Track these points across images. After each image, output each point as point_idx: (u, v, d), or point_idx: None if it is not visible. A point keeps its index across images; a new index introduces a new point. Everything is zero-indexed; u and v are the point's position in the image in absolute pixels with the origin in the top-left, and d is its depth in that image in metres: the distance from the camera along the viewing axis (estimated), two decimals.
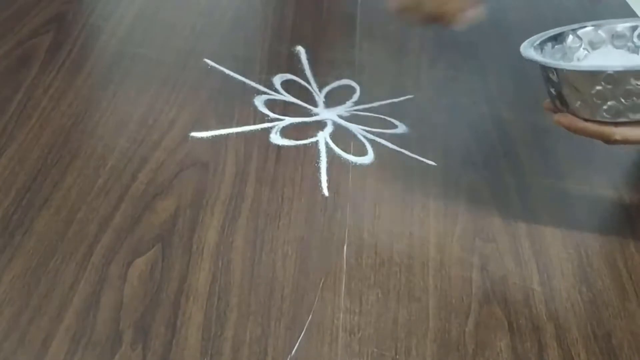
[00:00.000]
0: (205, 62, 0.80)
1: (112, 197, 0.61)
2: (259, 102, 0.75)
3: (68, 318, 0.51)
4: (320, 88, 0.79)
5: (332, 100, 0.78)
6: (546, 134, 0.77)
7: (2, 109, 0.69)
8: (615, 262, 0.62)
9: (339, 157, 0.70)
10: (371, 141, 0.72)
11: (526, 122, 0.79)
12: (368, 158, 0.70)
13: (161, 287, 0.54)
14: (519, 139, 0.76)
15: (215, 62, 0.80)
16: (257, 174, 0.66)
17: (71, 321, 0.50)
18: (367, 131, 0.74)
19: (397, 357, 0.52)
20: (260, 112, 0.74)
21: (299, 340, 0.51)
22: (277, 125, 0.72)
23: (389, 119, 0.76)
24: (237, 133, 0.70)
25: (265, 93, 0.77)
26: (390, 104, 0.79)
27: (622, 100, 0.57)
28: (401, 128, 0.75)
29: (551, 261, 0.61)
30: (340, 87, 0.80)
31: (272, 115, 0.74)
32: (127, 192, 0.62)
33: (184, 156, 0.67)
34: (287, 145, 0.70)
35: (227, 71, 0.80)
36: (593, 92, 0.57)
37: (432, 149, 0.72)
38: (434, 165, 0.70)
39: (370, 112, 0.77)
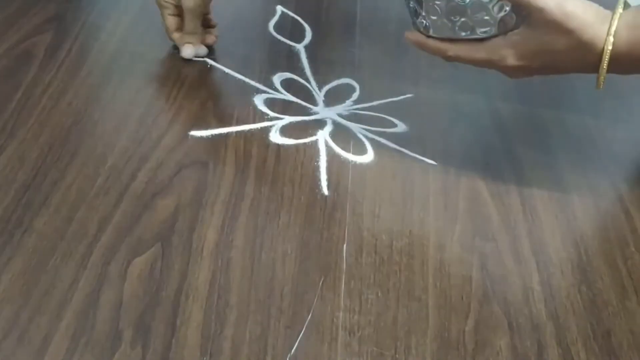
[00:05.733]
0: (204, 60, 0.80)
1: (111, 196, 0.61)
2: (258, 100, 0.75)
3: (67, 317, 0.50)
4: (320, 87, 0.79)
5: (332, 99, 0.78)
6: (546, 132, 0.77)
7: (1, 108, 0.69)
8: (615, 261, 0.62)
9: (339, 156, 0.70)
10: (371, 140, 0.72)
11: (526, 121, 0.79)
12: (368, 157, 0.70)
13: (161, 286, 0.54)
14: (519, 137, 0.76)
15: (215, 61, 0.80)
16: (256, 173, 0.66)
17: (71, 320, 0.50)
18: (366, 130, 0.74)
19: (397, 356, 0.52)
20: (260, 110, 0.74)
21: (298, 339, 0.51)
22: (276, 124, 0.72)
23: (388, 117, 0.76)
24: (236, 132, 0.70)
25: (264, 92, 0.77)
26: (390, 102, 0.78)
27: (452, 18, 0.61)
28: (401, 127, 0.75)
29: (551, 260, 0.61)
30: (340, 85, 0.80)
31: (271, 114, 0.74)
32: (126, 191, 0.62)
33: (184, 155, 0.67)
34: (286, 144, 0.70)
35: (226, 70, 0.80)
36: (438, 7, 0.61)
37: (431, 148, 0.72)
38: (433, 164, 0.70)
39: (370, 111, 0.77)
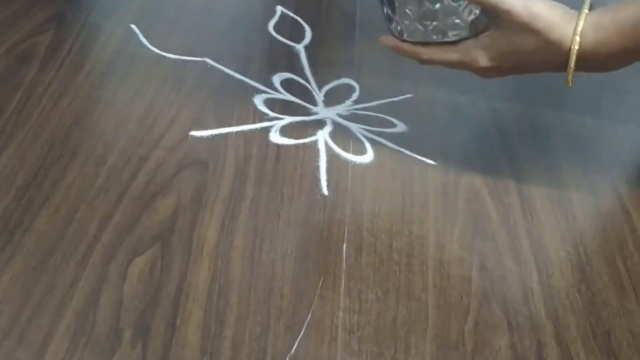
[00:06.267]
0: (205, 61, 0.80)
1: (111, 196, 0.61)
2: (258, 101, 0.75)
3: (68, 317, 0.51)
4: (320, 87, 0.79)
5: (332, 99, 0.78)
6: (546, 132, 0.77)
7: (1, 108, 0.69)
8: (614, 261, 0.62)
9: (339, 156, 0.70)
10: (370, 140, 0.72)
11: (526, 121, 0.79)
12: (367, 157, 0.70)
13: (161, 286, 0.54)
14: (518, 137, 0.76)
15: (215, 61, 0.80)
16: (256, 173, 0.66)
17: (71, 320, 0.50)
18: (366, 130, 0.74)
19: (397, 355, 0.52)
20: (260, 111, 0.74)
21: (298, 339, 0.52)
22: (276, 124, 0.72)
23: (388, 117, 0.76)
24: (236, 132, 0.71)
25: (264, 92, 0.77)
26: (389, 102, 0.79)
27: (424, 22, 0.63)
28: (400, 127, 0.75)
29: (550, 260, 0.61)
30: (339, 86, 0.80)
31: (271, 114, 0.74)
32: (126, 191, 0.62)
33: (184, 155, 0.67)
34: (286, 144, 0.70)
35: (226, 70, 0.80)
36: (410, 12, 0.63)
37: (431, 148, 0.72)
38: (433, 164, 0.70)
39: (369, 111, 0.77)
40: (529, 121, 0.79)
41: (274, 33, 0.88)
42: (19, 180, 0.61)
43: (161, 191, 0.62)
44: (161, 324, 0.51)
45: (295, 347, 0.51)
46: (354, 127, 0.74)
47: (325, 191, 0.65)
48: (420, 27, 0.63)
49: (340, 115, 0.75)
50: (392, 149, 0.72)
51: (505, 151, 0.74)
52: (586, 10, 0.59)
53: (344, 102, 0.78)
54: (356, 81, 0.81)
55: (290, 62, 0.83)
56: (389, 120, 0.76)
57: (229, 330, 0.51)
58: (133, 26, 0.84)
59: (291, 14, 0.92)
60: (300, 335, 0.52)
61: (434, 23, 0.62)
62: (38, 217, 0.58)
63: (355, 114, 0.76)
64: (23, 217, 0.58)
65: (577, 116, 0.80)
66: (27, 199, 0.60)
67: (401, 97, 0.80)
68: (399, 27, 0.64)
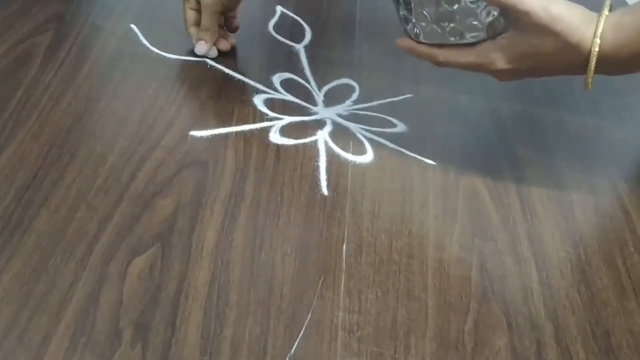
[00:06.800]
0: (205, 61, 0.80)
1: (111, 196, 0.61)
2: (258, 101, 0.75)
3: (67, 317, 0.51)
4: (320, 87, 0.79)
5: (332, 99, 0.78)
6: (546, 132, 0.78)
7: (1, 108, 0.69)
8: (614, 261, 0.62)
9: (338, 156, 0.70)
10: (370, 140, 0.72)
11: (526, 121, 0.79)
12: (367, 157, 0.70)
13: (160, 286, 0.54)
14: (518, 137, 0.76)
15: (215, 61, 0.80)
16: (256, 173, 0.66)
17: (70, 320, 0.50)
18: (366, 130, 0.74)
19: (396, 355, 0.52)
20: (260, 111, 0.74)
21: (298, 339, 0.52)
22: (276, 124, 0.72)
23: (388, 117, 0.76)
24: (236, 132, 0.71)
25: (264, 92, 0.77)
26: (389, 102, 0.79)
27: (441, 24, 0.62)
28: (400, 127, 0.75)
29: (550, 260, 0.61)
30: (339, 86, 0.80)
31: (271, 114, 0.74)
32: (126, 191, 0.62)
33: (184, 155, 0.67)
34: (286, 144, 0.70)
35: (226, 70, 0.80)
36: (427, 14, 0.62)
37: (431, 148, 0.72)
38: (433, 164, 0.70)
39: (369, 111, 0.77)
40: (529, 121, 0.79)
41: (274, 33, 0.88)
42: (18, 180, 0.61)
43: (161, 191, 0.62)
44: (161, 324, 0.51)
45: (295, 347, 0.51)
46: (353, 127, 0.74)
47: (325, 191, 0.65)
48: (437, 28, 0.62)
49: (340, 115, 0.76)
50: (392, 149, 0.72)
51: (505, 151, 0.74)
52: (606, 12, 0.59)
53: (343, 102, 0.78)
54: (356, 81, 0.81)
55: (290, 62, 0.83)
56: (389, 120, 0.76)
57: (229, 330, 0.51)
58: (133, 26, 0.84)
59: (291, 14, 0.92)
60: (300, 335, 0.52)
61: (452, 24, 0.62)
62: (38, 217, 0.58)
63: (355, 114, 0.76)
64: (23, 217, 0.58)
65: (577, 116, 0.80)
66: (27, 199, 0.60)
67: (401, 97, 0.80)
68: (415, 29, 0.64)
